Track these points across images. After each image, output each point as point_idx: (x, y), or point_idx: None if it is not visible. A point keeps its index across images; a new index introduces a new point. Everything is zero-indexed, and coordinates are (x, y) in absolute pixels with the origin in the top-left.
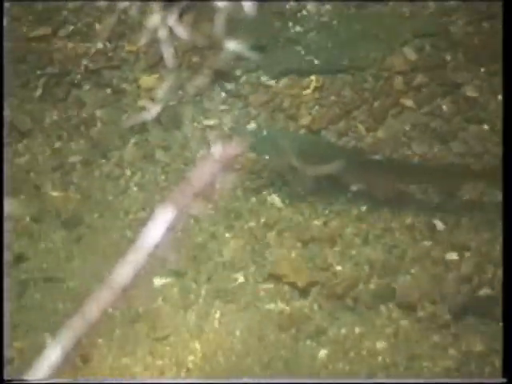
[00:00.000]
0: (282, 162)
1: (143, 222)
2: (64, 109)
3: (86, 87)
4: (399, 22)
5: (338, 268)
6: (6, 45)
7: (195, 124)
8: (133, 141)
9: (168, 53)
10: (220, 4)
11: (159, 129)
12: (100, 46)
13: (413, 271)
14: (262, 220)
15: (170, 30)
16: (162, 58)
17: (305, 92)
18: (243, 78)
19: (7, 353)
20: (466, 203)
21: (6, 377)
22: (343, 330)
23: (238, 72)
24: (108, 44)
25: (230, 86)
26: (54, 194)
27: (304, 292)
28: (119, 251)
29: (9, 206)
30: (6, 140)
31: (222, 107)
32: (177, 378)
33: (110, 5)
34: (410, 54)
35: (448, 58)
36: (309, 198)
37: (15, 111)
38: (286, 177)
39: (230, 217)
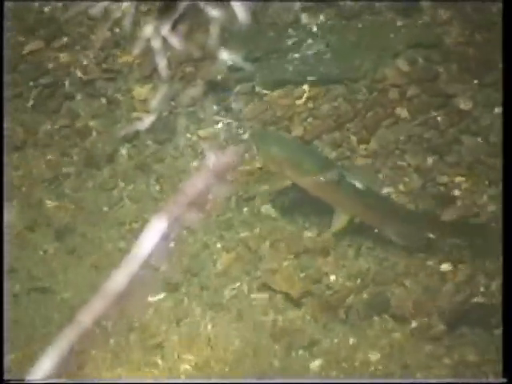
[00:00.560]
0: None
1: (137, 233)
2: (57, 120)
3: (80, 98)
4: (392, 34)
5: (332, 279)
6: None
7: (189, 135)
8: (126, 151)
9: (162, 63)
10: (214, 14)
11: (153, 139)
12: (93, 56)
13: (406, 283)
14: (256, 231)
15: (164, 40)
16: (155, 69)
17: (298, 102)
18: (237, 89)
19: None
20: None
21: (5, 377)
22: (336, 341)
23: (231, 82)
24: (101, 54)
25: (223, 96)
26: (48, 204)
27: (297, 303)
28: (113, 262)
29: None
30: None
31: (216, 118)
32: (177, 379)
33: (104, 15)
34: (403, 65)
35: (441, 69)
36: (302, 209)
37: (8, 122)
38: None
39: (223, 227)
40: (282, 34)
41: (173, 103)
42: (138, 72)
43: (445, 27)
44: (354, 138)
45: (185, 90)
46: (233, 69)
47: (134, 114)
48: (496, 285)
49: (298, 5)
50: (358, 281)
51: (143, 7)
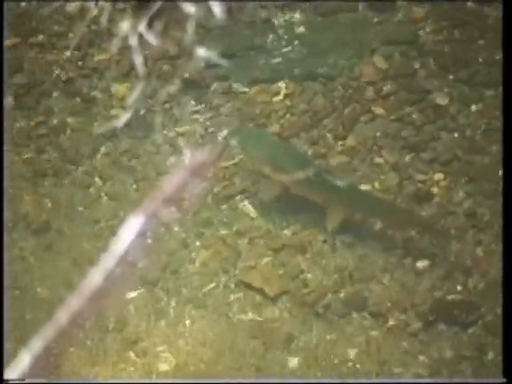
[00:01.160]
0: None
1: (114, 230)
2: (34, 117)
3: (57, 96)
4: (368, 30)
5: (309, 276)
6: None
7: (166, 132)
8: (103, 149)
9: (138, 60)
10: (190, 11)
11: (130, 137)
12: (70, 54)
13: (384, 280)
14: (234, 228)
15: (141, 37)
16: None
17: (274, 99)
18: (214, 86)
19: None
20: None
21: (5, 377)
22: (314, 338)
23: (208, 80)
24: (78, 52)
25: (200, 93)
26: (25, 201)
27: (275, 300)
28: (90, 259)
29: None
30: None
31: (193, 115)
32: (176, 379)
33: (80, 12)
34: (380, 62)
35: (417, 65)
36: (280, 206)
37: None
38: (257, 184)
39: (202, 225)
40: (259, 32)
41: (150, 100)
42: (116, 70)
43: (420, 24)
44: (330, 135)
45: (162, 88)
46: (210, 66)
47: (112, 112)
48: (472, 281)
49: (274, 2)
50: (336, 278)
51: (120, 4)
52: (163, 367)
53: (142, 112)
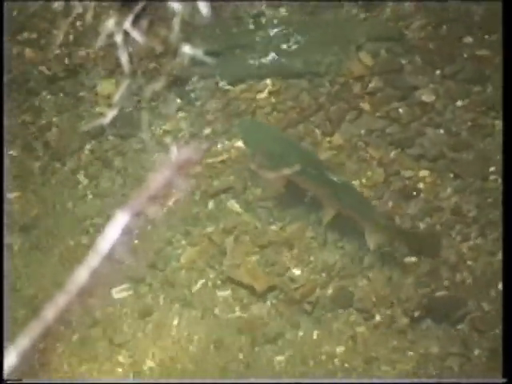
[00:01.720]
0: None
1: (100, 228)
2: (21, 115)
3: (44, 94)
4: (355, 27)
5: (296, 273)
6: None
7: (152, 129)
8: (90, 147)
9: (124, 57)
10: (176, 8)
11: (116, 134)
12: (57, 52)
13: (370, 275)
14: (220, 225)
15: (126, 35)
16: (119, 64)
17: (260, 96)
18: (200, 83)
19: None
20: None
21: (5, 377)
22: (301, 335)
23: (194, 77)
24: (64, 50)
25: (186, 90)
26: (12, 199)
27: (262, 297)
28: (76, 257)
29: None
30: None
31: (179, 112)
32: (176, 378)
33: (66, 10)
34: (366, 58)
35: (404, 62)
36: (266, 203)
37: None
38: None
39: (188, 222)
40: (245, 29)
41: (136, 98)
42: (102, 67)
43: (407, 21)
44: (318, 131)
45: (148, 85)
46: (195, 63)
47: (98, 109)
48: (460, 277)
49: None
50: (323, 274)
51: (105, 2)
52: (150, 364)
53: (128, 110)
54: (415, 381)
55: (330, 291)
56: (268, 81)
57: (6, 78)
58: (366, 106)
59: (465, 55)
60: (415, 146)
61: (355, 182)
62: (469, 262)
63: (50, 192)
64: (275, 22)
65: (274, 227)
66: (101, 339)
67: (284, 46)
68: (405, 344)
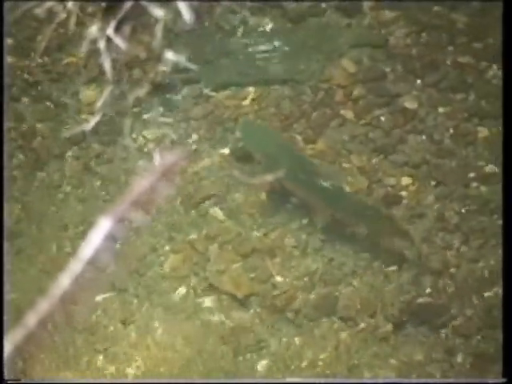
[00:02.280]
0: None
1: (83, 235)
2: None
3: (26, 100)
4: (337, 34)
5: (279, 279)
6: None
7: (135, 136)
8: (72, 153)
9: (107, 64)
10: (159, 14)
11: (99, 141)
12: (39, 59)
13: (354, 282)
14: (203, 232)
15: (109, 41)
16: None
17: (243, 103)
18: (183, 90)
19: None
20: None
21: (6, 377)
22: (284, 342)
23: (178, 84)
24: (47, 56)
25: (170, 97)
26: None
27: (244, 304)
28: (59, 264)
29: None
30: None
31: (162, 119)
32: (176, 378)
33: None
34: (349, 65)
35: (387, 69)
36: (249, 210)
37: None
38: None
39: (171, 229)
40: (228, 36)
41: (119, 105)
42: (84, 74)
43: (390, 28)
44: (300, 138)
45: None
46: (179, 70)
47: (81, 116)
48: (442, 284)
49: (244, 7)
50: (306, 281)
51: (89, 8)
52: (132, 372)
53: (111, 116)
54: (415, 381)
55: (312, 298)
56: (251, 88)
57: None
58: (348, 113)
59: (447, 62)
60: (398, 153)
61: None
62: (451, 269)
63: (33, 199)
64: (258, 29)
65: (257, 234)
66: (83, 346)
67: (267, 54)
68: (387, 350)
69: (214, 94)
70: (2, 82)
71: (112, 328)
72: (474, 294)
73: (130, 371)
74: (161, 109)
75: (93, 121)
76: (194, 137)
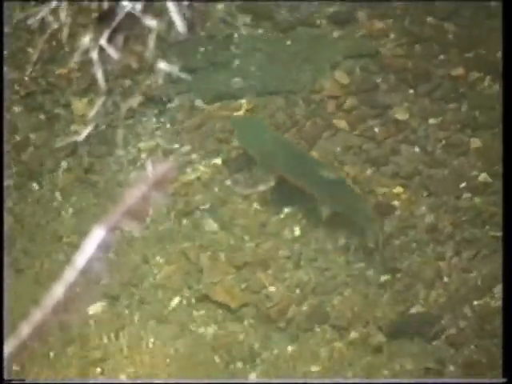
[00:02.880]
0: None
1: (76, 246)
2: None
3: (18, 111)
4: (329, 45)
5: (272, 290)
6: None
7: (128, 147)
8: (65, 164)
9: (99, 74)
10: (151, 25)
11: (91, 152)
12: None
13: (346, 293)
14: (196, 243)
15: (101, 51)
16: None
17: (235, 114)
18: (176, 101)
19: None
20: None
21: (6, 377)
22: (276, 352)
23: (170, 95)
24: (39, 67)
25: (162, 108)
26: None
27: (237, 314)
28: (52, 275)
29: None
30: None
31: (155, 130)
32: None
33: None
34: (341, 76)
35: (378, 80)
36: (241, 221)
37: None
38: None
39: (164, 240)
40: (220, 47)
41: (111, 116)
42: (76, 85)
43: (382, 39)
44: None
45: (123, 102)
46: (171, 81)
47: (73, 127)
48: (435, 294)
49: (236, 18)
50: (298, 292)
51: (81, 19)
52: (125, 382)
53: (104, 127)
54: (415, 381)
55: (304, 308)
56: (244, 99)
57: None
58: (341, 123)
59: (439, 73)
60: (390, 164)
61: None
62: (444, 279)
63: (26, 210)
64: (251, 40)
65: (249, 245)
66: (75, 356)
67: (259, 64)
68: (380, 360)
69: (206, 105)
70: (2, 81)
71: (104, 338)
72: (467, 304)
73: (124, 381)
74: (153, 119)
75: (85, 131)
76: (187, 147)
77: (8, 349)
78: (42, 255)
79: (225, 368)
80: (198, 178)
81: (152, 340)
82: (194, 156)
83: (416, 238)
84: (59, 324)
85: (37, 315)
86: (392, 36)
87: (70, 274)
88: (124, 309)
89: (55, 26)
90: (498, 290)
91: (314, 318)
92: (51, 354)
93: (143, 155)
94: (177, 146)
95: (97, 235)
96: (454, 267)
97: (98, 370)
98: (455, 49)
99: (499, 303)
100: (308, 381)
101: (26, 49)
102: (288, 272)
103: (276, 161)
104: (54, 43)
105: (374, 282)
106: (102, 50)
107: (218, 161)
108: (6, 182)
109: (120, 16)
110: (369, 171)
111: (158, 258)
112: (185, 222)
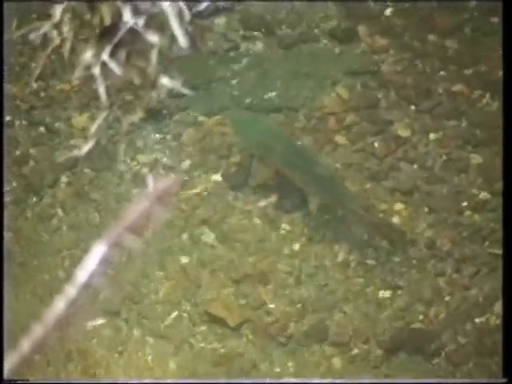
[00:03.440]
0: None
1: (76, 261)
2: None
3: (19, 126)
4: (330, 62)
5: (271, 306)
6: None
7: (128, 161)
8: (65, 179)
9: (101, 89)
10: (154, 40)
11: (92, 167)
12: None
13: (345, 309)
14: (196, 258)
15: (104, 66)
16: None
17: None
18: (176, 116)
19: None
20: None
21: (5, 377)
22: (276, 369)
23: (171, 110)
24: (40, 82)
25: (163, 123)
26: None
27: (237, 330)
28: (52, 290)
29: None
30: None
31: (156, 145)
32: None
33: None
34: (342, 92)
35: (379, 96)
36: (241, 235)
37: None
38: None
39: (164, 255)
40: (221, 63)
41: (112, 130)
42: (77, 100)
43: (382, 55)
44: None
45: (125, 117)
46: (172, 96)
47: (73, 142)
48: (434, 311)
49: (237, 33)
50: (299, 307)
51: (83, 34)
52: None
53: (105, 142)
54: (415, 381)
55: (305, 324)
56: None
57: None
58: (341, 139)
59: (440, 90)
60: (390, 180)
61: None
62: (444, 297)
63: (25, 225)
64: (251, 56)
65: (250, 260)
66: (75, 371)
67: (260, 80)
68: (380, 377)
69: (206, 120)
70: (2, 81)
71: (105, 353)
72: (467, 321)
73: None
74: (154, 134)
75: (86, 146)
76: (187, 162)
77: (7, 364)
78: (42, 270)
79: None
80: (198, 193)
81: (152, 355)
82: (194, 171)
83: (415, 255)
84: (59, 339)
85: (37, 330)
86: (392, 52)
87: (70, 290)
88: (123, 324)
89: (57, 41)
90: (499, 307)
91: (313, 334)
92: (50, 368)
93: (144, 170)
94: (177, 160)
95: (97, 250)
96: (454, 284)
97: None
98: (455, 65)
99: (499, 321)
100: (308, 381)
101: (28, 63)
102: (288, 288)
103: (274, 154)
104: (55, 58)
105: (374, 299)
106: (104, 64)
107: (218, 176)
108: (6, 197)
109: (122, 31)
110: (369, 187)
111: (157, 273)
112: (185, 237)
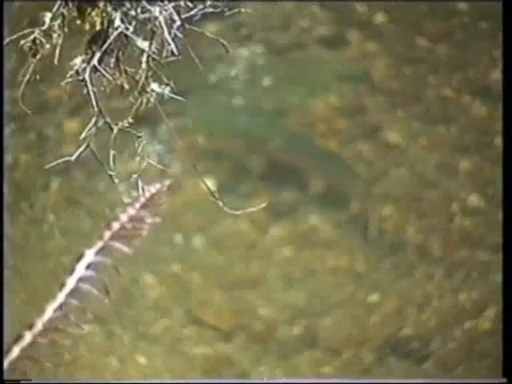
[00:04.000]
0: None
1: (67, 267)
2: None
3: (9, 132)
4: (320, 67)
5: (262, 311)
6: None
7: (119, 167)
8: (56, 185)
9: (91, 94)
10: (144, 46)
11: (83, 172)
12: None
13: (335, 315)
14: (187, 263)
15: (94, 71)
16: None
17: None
18: (166, 122)
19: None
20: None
21: (5, 377)
22: (267, 374)
23: (161, 115)
24: (30, 87)
25: (153, 128)
26: None
27: (228, 336)
28: (42, 296)
29: None
30: None
31: (146, 150)
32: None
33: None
34: (332, 99)
35: (368, 102)
36: (232, 240)
37: None
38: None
39: (154, 260)
40: (210, 69)
41: (103, 136)
42: (68, 105)
43: (372, 60)
44: None
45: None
46: (162, 101)
47: (64, 148)
48: (426, 316)
49: (228, 39)
50: (288, 313)
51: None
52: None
53: (95, 148)
54: (415, 381)
55: (295, 329)
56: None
57: None
58: (330, 145)
59: (429, 95)
60: (379, 186)
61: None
62: (434, 302)
63: (16, 231)
64: (242, 61)
65: (240, 265)
66: (64, 377)
67: (250, 85)
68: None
69: (196, 124)
70: (2, 81)
71: (94, 359)
72: (457, 326)
73: None
74: (145, 140)
75: (77, 152)
76: (178, 167)
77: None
78: (33, 276)
79: None
80: (189, 199)
81: (142, 361)
82: (185, 176)
83: (405, 260)
84: (49, 345)
85: (27, 336)
86: (382, 57)
87: (60, 296)
88: (114, 329)
89: (47, 46)
90: (490, 312)
91: (303, 339)
92: (39, 376)
93: (134, 176)
94: (168, 166)
95: (88, 256)
96: (444, 289)
97: None
98: (446, 70)
99: (489, 325)
100: (308, 381)
101: (18, 69)
102: (279, 293)
103: (270, 143)
104: (45, 63)
105: (363, 304)
106: (94, 70)
107: (209, 181)
108: None
109: (112, 37)
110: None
111: (148, 278)
112: (175, 242)
